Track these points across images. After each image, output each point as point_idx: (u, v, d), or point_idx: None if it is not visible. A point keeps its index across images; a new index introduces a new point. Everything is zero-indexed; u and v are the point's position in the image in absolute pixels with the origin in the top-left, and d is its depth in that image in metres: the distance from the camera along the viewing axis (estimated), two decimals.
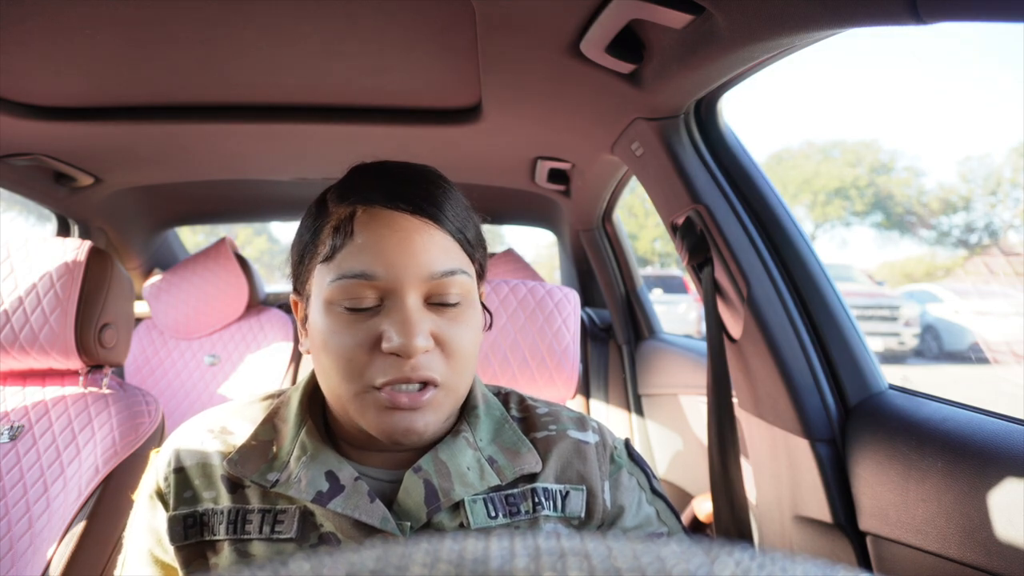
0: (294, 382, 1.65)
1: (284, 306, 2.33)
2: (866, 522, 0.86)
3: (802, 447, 0.95)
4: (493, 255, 2.11)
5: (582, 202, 1.83)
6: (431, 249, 0.54)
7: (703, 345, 1.49)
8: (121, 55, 1.04)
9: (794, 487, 0.99)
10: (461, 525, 0.57)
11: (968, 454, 0.72)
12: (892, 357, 7.94)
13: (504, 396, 0.69)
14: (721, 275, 1.06)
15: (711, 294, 1.08)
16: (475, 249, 0.60)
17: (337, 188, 0.59)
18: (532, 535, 0.19)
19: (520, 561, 0.17)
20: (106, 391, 1.10)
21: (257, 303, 2.23)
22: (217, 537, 0.57)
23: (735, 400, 1.13)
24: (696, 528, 1.35)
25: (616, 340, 2.04)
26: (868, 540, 0.87)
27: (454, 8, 0.88)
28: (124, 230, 2.14)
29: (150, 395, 1.12)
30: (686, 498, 1.55)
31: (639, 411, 1.90)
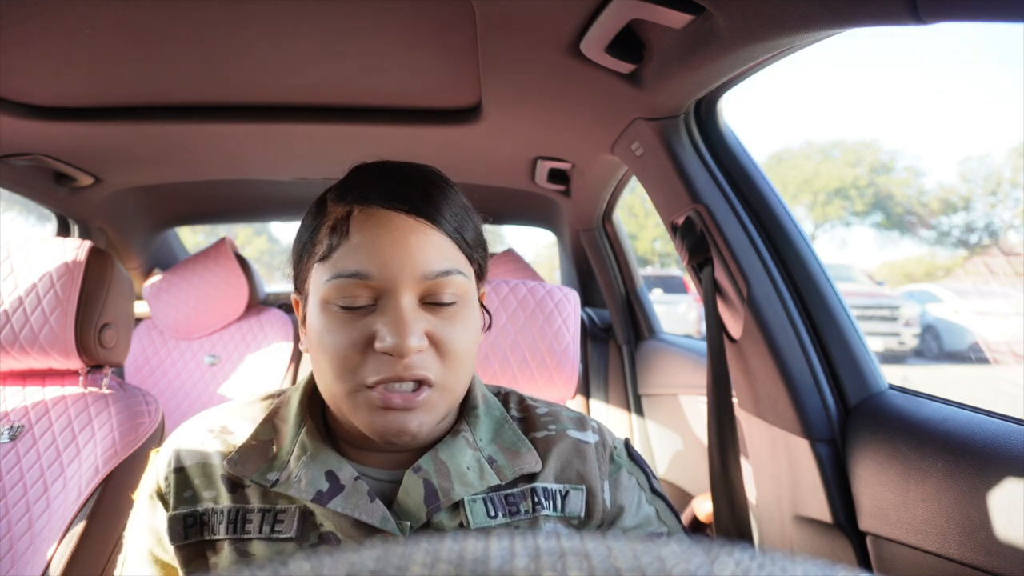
0: (294, 382, 1.65)
1: (284, 306, 2.33)
2: (866, 522, 0.86)
3: (802, 447, 0.95)
4: (493, 255, 2.11)
5: (582, 202, 1.83)
6: (426, 249, 0.54)
7: (703, 345, 1.49)
8: (121, 55, 1.04)
9: (794, 487, 0.99)
10: (461, 525, 0.57)
11: (968, 454, 0.72)
12: (892, 357, 7.94)
13: (504, 396, 0.69)
14: (721, 275, 1.06)
15: (711, 294, 1.08)
16: (473, 250, 0.60)
17: (336, 188, 0.59)
18: (532, 535, 0.19)
19: (520, 561, 0.17)
20: (106, 391, 1.10)
21: (257, 303, 2.23)
22: (217, 537, 0.57)
23: (735, 400, 1.13)
24: (696, 528, 1.35)
25: (616, 340, 2.04)
26: (868, 540, 0.87)
27: (454, 8, 0.88)
28: (124, 230, 2.14)
29: (150, 395, 1.12)
30: (686, 498, 1.55)
31: (639, 411, 1.90)
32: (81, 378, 1.11)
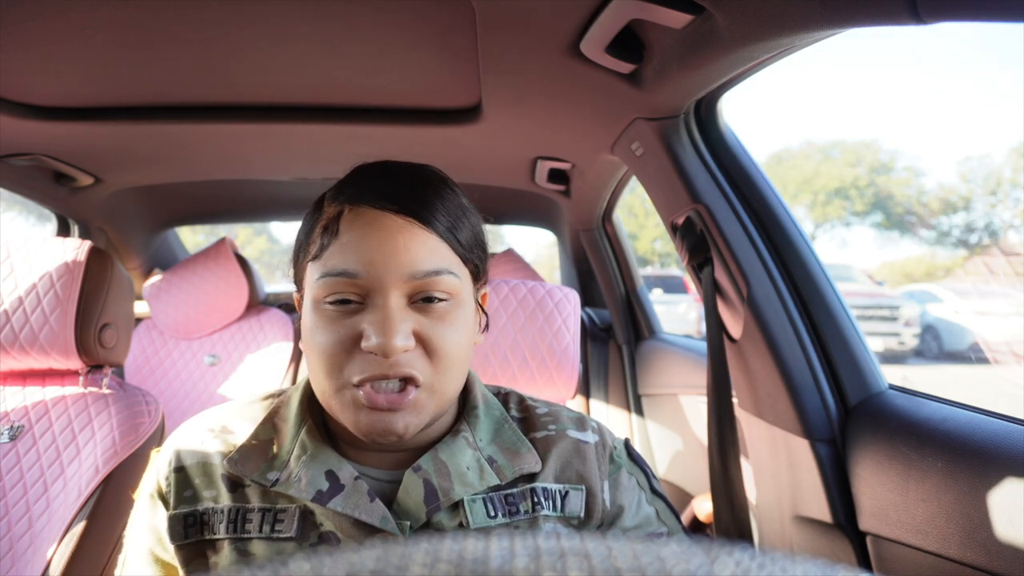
0: (294, 382, 1.65)
1: (284, 306, 2.33)
2: (866, 522, 0.86)
3: (802, 447, 0.95)
4: (493, 255, 2.11)
5: (582, 202, 1.83)
6: (414, 248, 0.54)
7: (703, 345, 1.49)
8: (121, 55, 1.04)
9: (794, 487, 0.99)
10: (460, 525, 0.57)
11: (968, 454, 0.72)
12: (892, 357, 7.94)
13: (504, 396, 0.69)
14: (721, 275, 1.06)
15: (711, 294, 1.08)
16: (468, 250, 0.59)
17: (334, 187, 0.60)
18: (532, 535, 0.19)
19: (520, 561, 0.17)
20: (106, 391, 1.10)
21: (257, 303, 2.23)
22: (217, 536, 0.57)
23: (735, 400, 1.13)
24: (696, 528, 1.35)
25: (616, 340, 2.04)
26: (868, 540, 0.87)
27: (454, 8, 0.88)
28: (124, 230, 2.14)
29: (150, 395, 1.12)
30: (686, 498, 1.55)
31: (639, 411, 1.90)
32: (81, 378, 1.11)
